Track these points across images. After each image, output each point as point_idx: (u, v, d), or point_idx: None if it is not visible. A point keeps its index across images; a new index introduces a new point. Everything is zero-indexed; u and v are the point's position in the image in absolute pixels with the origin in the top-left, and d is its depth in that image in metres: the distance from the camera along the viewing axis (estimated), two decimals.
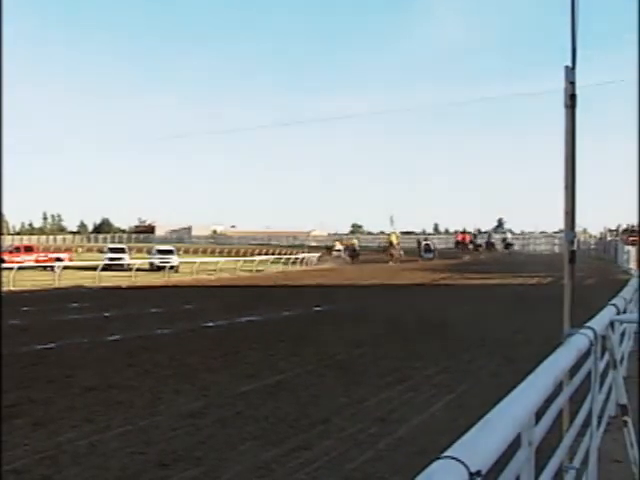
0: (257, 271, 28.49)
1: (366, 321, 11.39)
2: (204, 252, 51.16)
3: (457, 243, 38.35)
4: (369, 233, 78.61)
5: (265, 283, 21.83)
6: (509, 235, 42.42)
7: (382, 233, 68.19)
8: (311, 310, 13.24)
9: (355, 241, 38.07)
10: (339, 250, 38.30)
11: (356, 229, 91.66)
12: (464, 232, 42.00)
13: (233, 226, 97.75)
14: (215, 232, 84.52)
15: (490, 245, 37.38)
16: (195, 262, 26.96)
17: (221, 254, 49.22)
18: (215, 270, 26.37)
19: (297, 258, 34.66)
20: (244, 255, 43.98)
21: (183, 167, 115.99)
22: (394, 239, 35.56)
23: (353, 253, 35.30)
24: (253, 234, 74.67)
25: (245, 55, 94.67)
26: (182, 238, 73.77)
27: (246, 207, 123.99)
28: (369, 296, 17.28)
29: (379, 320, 11.52)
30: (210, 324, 10.67)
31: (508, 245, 38.12)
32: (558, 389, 1.74)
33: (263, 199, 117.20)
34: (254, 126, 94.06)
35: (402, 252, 33.95)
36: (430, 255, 35.61)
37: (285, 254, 40.76)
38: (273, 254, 40.97)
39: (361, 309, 13.56)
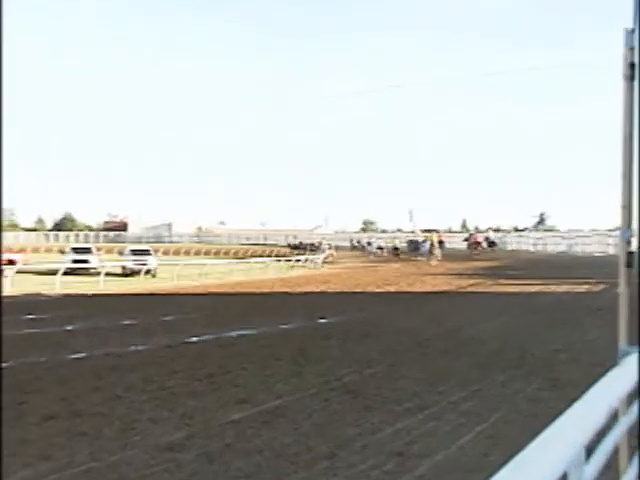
0: (250, 275, 28.06)
1: (380, 336, 11.24)
2: (187, 253, 50.95)
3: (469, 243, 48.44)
4: (383, 231, 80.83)
5: (260, 290, 21.75)
6: (491, 234, 51.45)
7: (399, 231, 72.08)
8: (314, 322, 13.15)
9: (397, 241, 48.96)
10: (330, 247, 48.17)
11: (368, 226, 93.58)
12: (473, 233, 52.79)
13: (222, 222, 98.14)
14: (200, 229, 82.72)
15: (477, 244, 45.87)
16: (177, 264, 26.63)
17: (207, 255, 48.55)
18: (200, 274, 26.16)
19: (298, 260, 34.70)
20: (235, 256, 43.89)
21: (161, 153, 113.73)
22: (434, 238, 41.98)
23: (395, 251, 44.39)
24: (245, 232, 75.71)
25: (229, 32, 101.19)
26: (161, 236, 73.34)
27: (237, 201, 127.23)
28: (384, 306, 17.08)
29: (396, 334, 11.34)
30: (194, 339, 10.62)
31: (491, 244, 47.50)
32: (613, 419, 1.71)
33: (257, 192, 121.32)
34: (247, 103, 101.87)
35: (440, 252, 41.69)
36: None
37: (284, 255, 40.81)
38: (269, 255, 40.94)
39: (374, 321, 13.45)
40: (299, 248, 54.63)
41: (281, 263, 32.88)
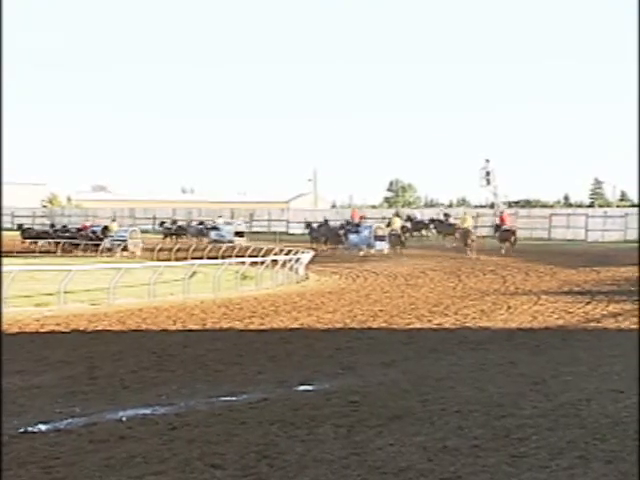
0: (157, 295, 28.31)
1: (426, 419, 10.76)
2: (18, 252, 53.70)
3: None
4: (431, 204, 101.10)
5: (182, 324, 21.88)
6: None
7: (463, 203, 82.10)
8: (290, 390, 12.86)
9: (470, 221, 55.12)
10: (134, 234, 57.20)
11: (401, 194, 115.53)
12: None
13: (101, 188, 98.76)
14: (52, 202, 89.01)
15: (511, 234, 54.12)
16: (8, 271, 25.25)
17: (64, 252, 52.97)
18: (53, 295, 25.89)
19: (262, 262, 35.51)
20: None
21: None
22: (469, 222, 53.30)
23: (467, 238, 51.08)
24: (154, 205, 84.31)
25: None
26: None
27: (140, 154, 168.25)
28: (433, 355, 16.80)
29: (458, 416, 10.92)
30: (41, 426, 10.46)
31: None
32: None
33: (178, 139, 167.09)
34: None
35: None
36: (382, 245, 53.14)
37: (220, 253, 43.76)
38: (199, 254, 43.74)
39: (413, 388, 12.99)
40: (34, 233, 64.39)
41: (222, 269, 32.73)
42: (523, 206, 73.75)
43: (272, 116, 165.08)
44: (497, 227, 54.54)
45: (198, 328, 21.35)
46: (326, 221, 61.10)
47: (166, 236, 65.16)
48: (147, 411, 11.34)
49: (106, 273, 29.89)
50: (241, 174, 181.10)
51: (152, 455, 9.06)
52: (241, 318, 23.32)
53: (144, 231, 65.52)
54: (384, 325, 21.75)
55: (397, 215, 59.38)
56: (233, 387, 13.04)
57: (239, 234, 65.53)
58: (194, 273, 32.04)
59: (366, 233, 53.49)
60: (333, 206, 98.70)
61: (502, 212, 58.21)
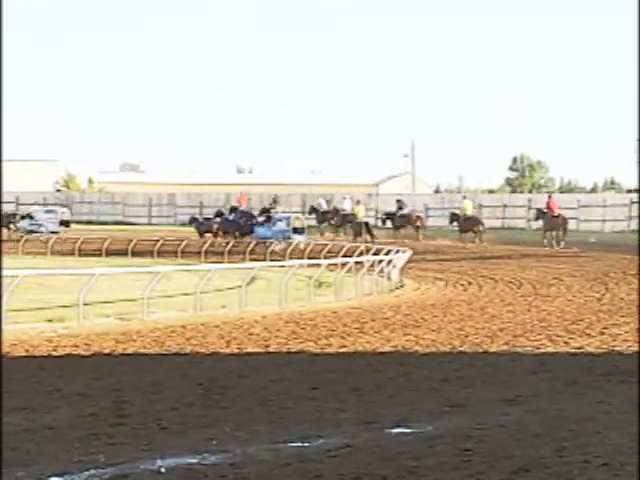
0: (201, 307, 28.96)
1: (557, 477, 10.48)
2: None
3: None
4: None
5: (238, 345, 22.52)
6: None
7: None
8: (381, 434, 12.97)
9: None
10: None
11: (529, 173, 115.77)
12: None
13: (134, 168, 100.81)
14: (69, 185, 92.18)
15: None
16: (11, 276, 25.96)
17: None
18: (70, 307, 26.78)
19: (343, 265, 36.42)
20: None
21: None
22: (470, 208, 64.46)
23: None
24: (201, 188, 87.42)
25: None
26: None
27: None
28: (572, 389, 16.94)
29: (600, 472, 10.58)
30: None
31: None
32: None
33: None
34: None
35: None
36: (300, 239, 61.32)
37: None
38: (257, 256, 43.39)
39: (547, 432, 13.07)
40: None
41: (289, 273, 33.62)
42: None
43: (355, 76, 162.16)
44: (541, 213, 60.47)
45: (259, 351, 21.83)
46: (221, 213, 69.42)
47: None
48: (193, 460, 11.33)
49: (138, 279, 30.19)
50: (314, 149, 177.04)
51: None
52: (315, 338, 23.75)
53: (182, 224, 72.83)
54: (505, 348, 21.95)
55: (359, 203, 69.35)
56: (305, 429, 13.12)
57: (65, 223, 75.51)
58: (253, 279, 32.19)
59: (282, 225, 63.01)
60: (437, 191, 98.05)
61: (550, 196, 66.13)
